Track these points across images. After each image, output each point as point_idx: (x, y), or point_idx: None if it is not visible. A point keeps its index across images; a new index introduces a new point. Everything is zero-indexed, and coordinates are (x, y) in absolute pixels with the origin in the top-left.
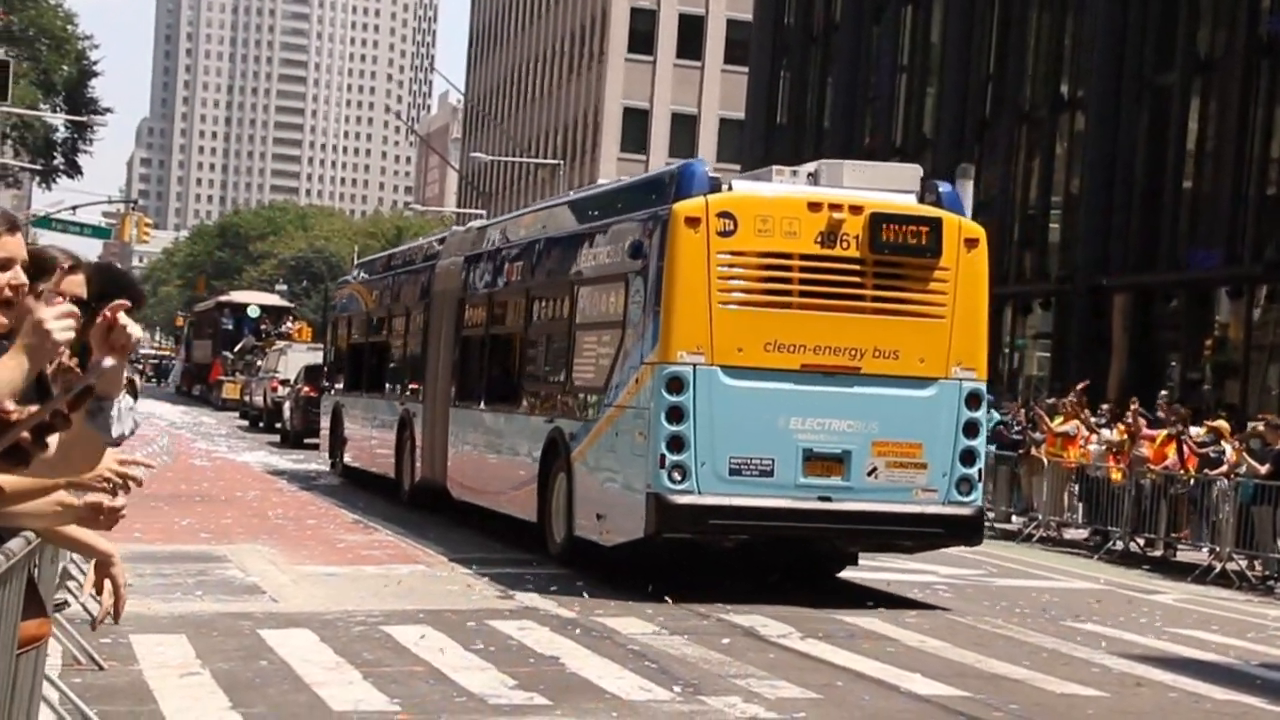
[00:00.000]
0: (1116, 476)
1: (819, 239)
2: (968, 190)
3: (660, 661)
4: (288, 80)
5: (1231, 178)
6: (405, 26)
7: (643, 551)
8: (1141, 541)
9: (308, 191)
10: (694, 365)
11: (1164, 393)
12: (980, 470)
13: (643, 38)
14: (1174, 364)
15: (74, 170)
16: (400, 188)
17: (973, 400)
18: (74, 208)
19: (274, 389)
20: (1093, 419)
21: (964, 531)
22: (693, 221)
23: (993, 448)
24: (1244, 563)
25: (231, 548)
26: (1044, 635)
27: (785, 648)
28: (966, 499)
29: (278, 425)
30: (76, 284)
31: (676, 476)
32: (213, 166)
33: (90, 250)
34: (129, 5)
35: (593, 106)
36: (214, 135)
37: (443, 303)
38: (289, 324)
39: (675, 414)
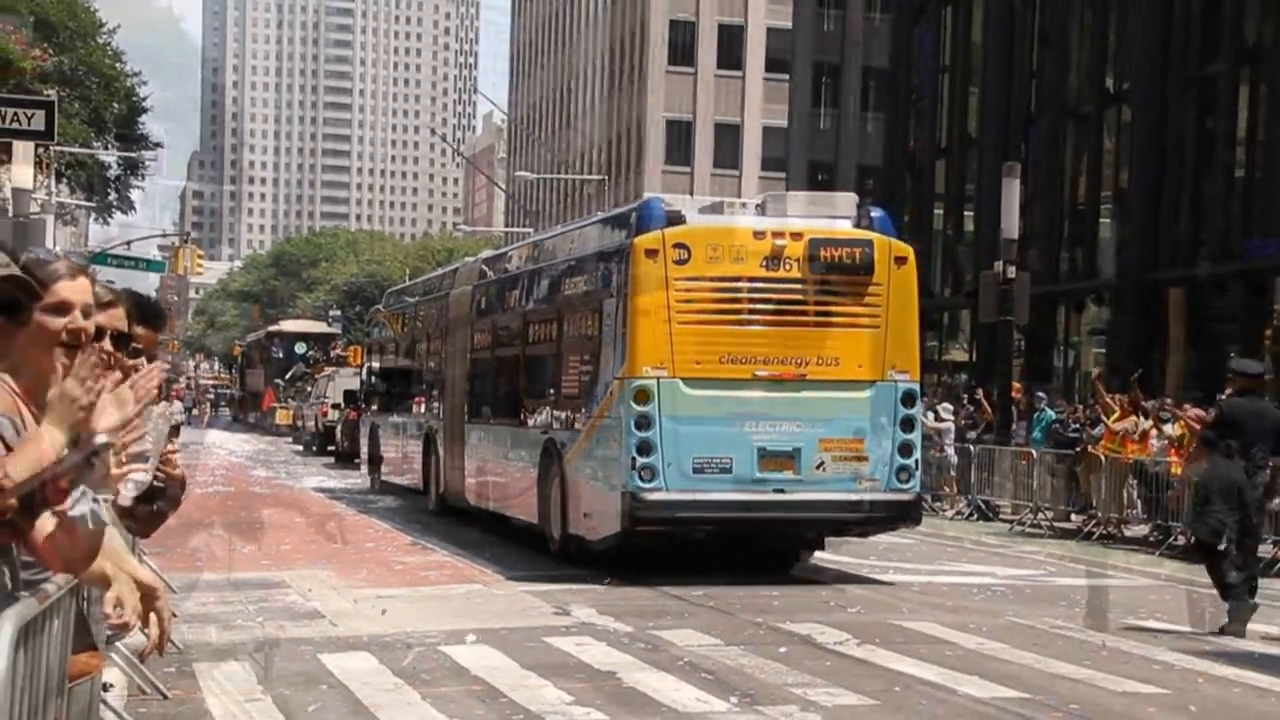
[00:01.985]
0: (1177, 471)
1: (764, 263)
2: (1014, 189)
3: (717, 672)
4: (333, 108)
5: None
6: (447, 50)
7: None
8: None
9: (358, 216)
10: (658, 378)
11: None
12: (917, 460)
13: (683, 50)
14: (1233, 355)
15: (128, 205)
16: (449, 209)
17: (908, 399)
18: (129, 242)
19: (324, 414)
20: (1159, 412)
21: (904, 515)
22: (651, 253)
23: (1049, 446)
24: None
25: (291, 573)
26: (1104, 633)
27: (842, 654)
28: (905, 486)
29: (330, 448)
30: (117, 318)
31: (646, 476)
32: (263, 196)
33: (148, 284)
34: (175, 41)
35: (635, 120)
36: (263, 165)
37: (456, 328)
38: (338, 349)
39: (643, 422)
